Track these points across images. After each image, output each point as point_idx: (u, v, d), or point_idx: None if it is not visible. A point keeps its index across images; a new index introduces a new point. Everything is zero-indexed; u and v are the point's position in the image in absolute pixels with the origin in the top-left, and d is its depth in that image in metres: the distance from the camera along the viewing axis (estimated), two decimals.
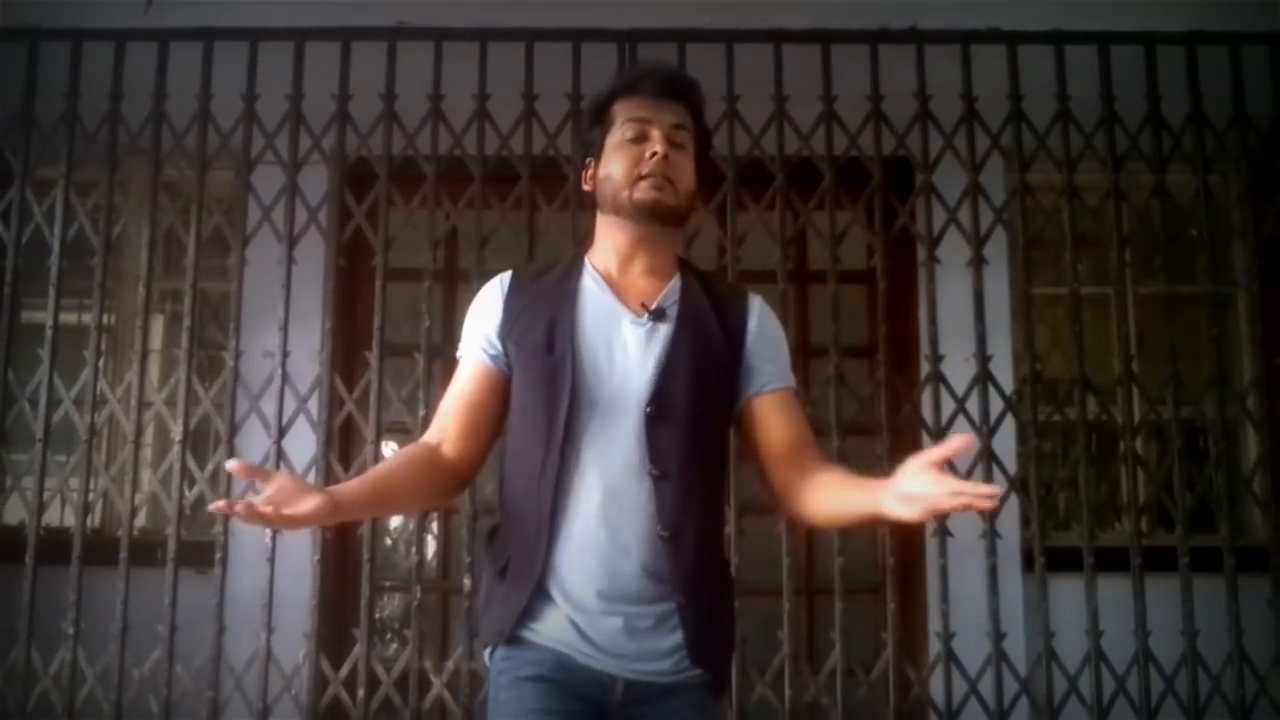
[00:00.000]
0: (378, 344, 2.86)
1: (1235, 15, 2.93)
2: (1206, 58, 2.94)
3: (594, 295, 1.58)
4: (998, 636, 2.75)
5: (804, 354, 3.44)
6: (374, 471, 1.57)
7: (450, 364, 1.67)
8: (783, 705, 2.74)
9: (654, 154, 1.54)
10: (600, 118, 1.62)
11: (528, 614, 1.49)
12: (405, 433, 2.98)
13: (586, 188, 1.65)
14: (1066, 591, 2.79)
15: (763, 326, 1.62)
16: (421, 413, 2.77)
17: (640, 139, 1.56)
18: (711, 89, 2.83)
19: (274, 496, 1.30)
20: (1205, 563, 2.78)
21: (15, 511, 2.95)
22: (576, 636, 1.48)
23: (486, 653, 1.57)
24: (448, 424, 1.58)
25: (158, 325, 3.55)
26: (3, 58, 2.99)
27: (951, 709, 2.74)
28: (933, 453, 1.30)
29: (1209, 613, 2.77)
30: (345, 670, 2.75)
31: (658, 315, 1.55)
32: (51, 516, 2.94)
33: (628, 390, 1.51)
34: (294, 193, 2.92)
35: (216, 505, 1.30)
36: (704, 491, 1.55)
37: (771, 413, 1.58)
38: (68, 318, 2.98)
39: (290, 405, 2.84)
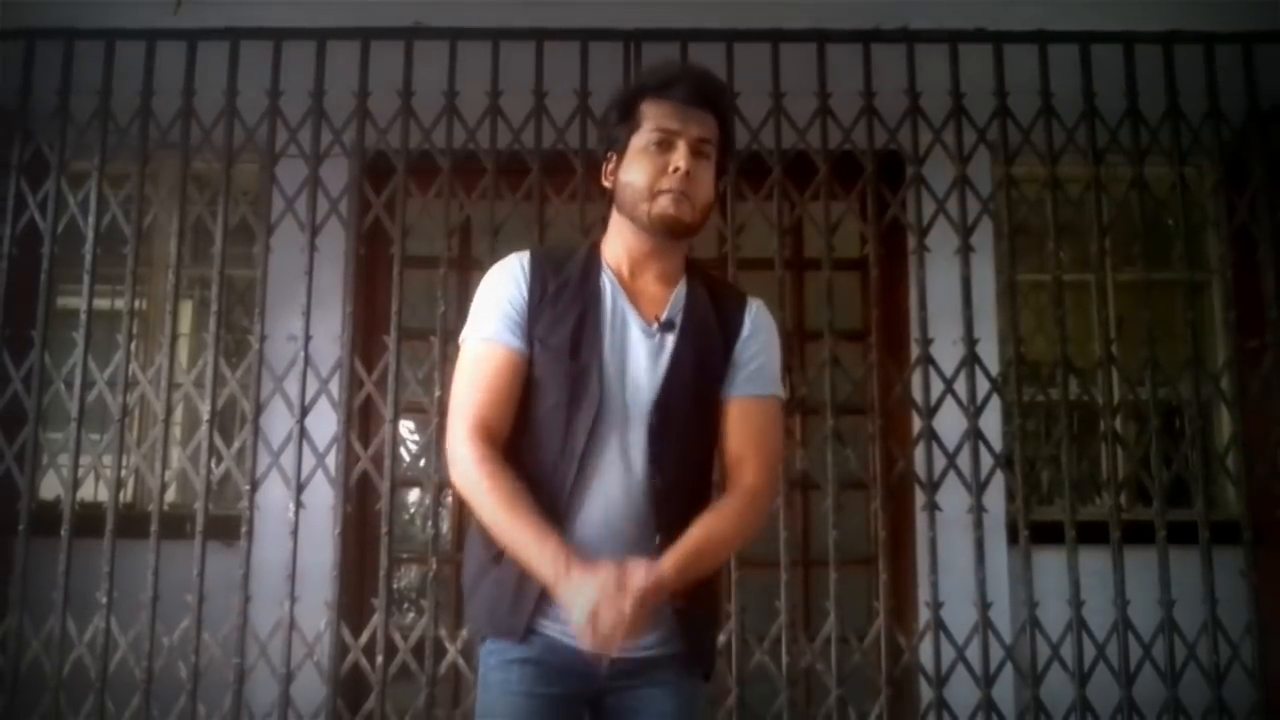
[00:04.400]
0: (395, 328, 2.83)
1: (1210, 16, 2.90)
2: (1183, 56, 2.91)
3: (611, 302, 1.51)
4: (984, 606, 2.73)
5: (800, 338, 3.44)
6: (532, 513, 1.41)
7: None
8: (780, 671, 2.72)
9: (676, 169, 1.46)
10: (627, 115, 1.52)
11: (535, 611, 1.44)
12: (421, 412, 2.97)
13: (606, 183, 1.56)
14: (1049, 563, 2.77)
15: (754, 332, 1.56)
16: (437, 393, 2.74)
17: (665, 148, 1.48)
18: None
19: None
20: (1181, 536, 2.76)
21: (51, 487, 2.93)
22: (566, 626, 1.41)
23: (481, 639, 1.53)
24: (496, 420, 1.47)
25: (187, 310, 3.53)
26: (39, 57, 2.96)
27: (940, 675, 2.72)
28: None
29: (1184, 583, 2.74)
30: (365, 638, 2.73)
31: (666, 327, 1.50)
32: (86, 492, 2.92)
33: (636, 401, 1.47)
34: (316, 184, 2.89)
35: None
36: (698, 492, 1.53)
37: (732, 417, 1.53)
38: (101, 303, 2.96)
39: (312, 386, 2.81)
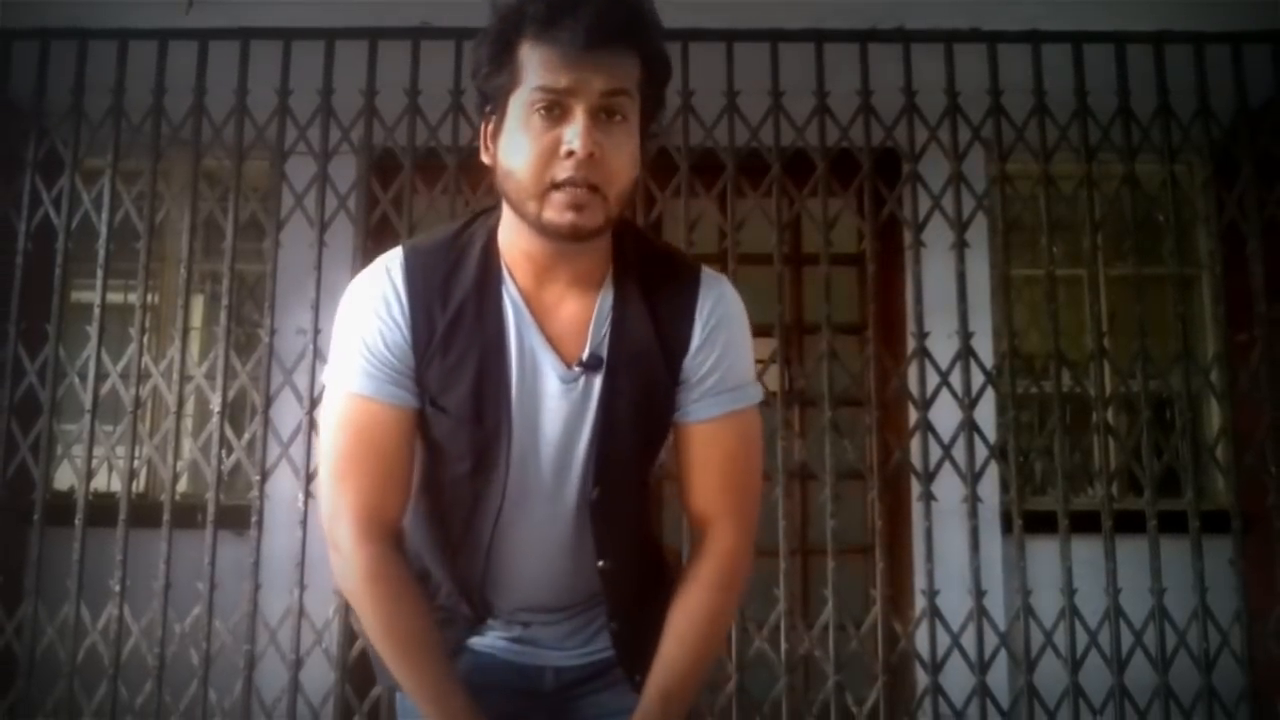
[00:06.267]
0: None
1: (1200, 16, 2.90)
2: (1173, 56, 2.91)
3: (517, 337, 1.12)
4: (979, 594, 2.73)
5: (799, 331, 3.47)
6: (434, 662, 1.13)
7: None
8: (779, 657, 2.72)
9: (571, 152, 1.02)
10: (501, 61, 1.05)
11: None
12: None
13: (485, 158, 1.11)
14: (1043, 552, 2.77)
15: (708, 340, 1.15)
16: None
17: (556, 117, 1.02)
18: (713, 85, 2.87)
19: None
20: (1171, 525, 2.76)
21: (66, 478, 2.94)
22: (497, 637, 1.24)
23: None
24: (389, 505, 1.15)
25: (198, 304, 3.53)
26: (54, 56, 2.96)
27: (936, 661, 2.73)
28: None
29: (1175, 572, 2.75)
30: None
31: (590, 366, 1.12)
32: (99, 482, 2.94)
33: (563, 469, 1.15)
34: (325, 181, 2.90)
35: None
36: (648, 562, 1.26)
37: (693, 448, 1.18)
38: (114, 297, 2.96)
39: (321, 379, 2.81)
